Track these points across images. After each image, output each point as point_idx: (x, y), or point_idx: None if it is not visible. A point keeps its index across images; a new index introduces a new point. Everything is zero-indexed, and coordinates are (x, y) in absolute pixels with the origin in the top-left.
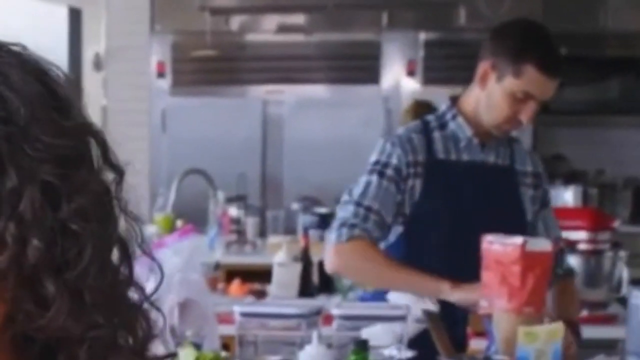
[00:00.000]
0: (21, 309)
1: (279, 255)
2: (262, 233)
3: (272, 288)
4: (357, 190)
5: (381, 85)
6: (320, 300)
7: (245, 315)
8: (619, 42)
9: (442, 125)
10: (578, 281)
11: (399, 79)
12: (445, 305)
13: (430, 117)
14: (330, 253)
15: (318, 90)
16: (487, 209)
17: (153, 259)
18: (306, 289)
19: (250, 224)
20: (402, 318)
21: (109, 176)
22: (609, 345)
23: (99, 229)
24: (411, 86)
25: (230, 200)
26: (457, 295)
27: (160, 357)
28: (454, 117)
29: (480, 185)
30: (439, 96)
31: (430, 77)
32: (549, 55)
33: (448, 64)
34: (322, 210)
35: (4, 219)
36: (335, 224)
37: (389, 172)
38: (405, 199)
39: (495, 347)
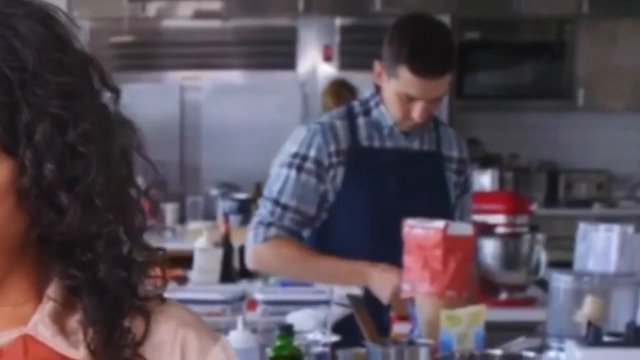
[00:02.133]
0: (43, 218)
1: (200, 241)
2: (182, 219)
3: (193, 274)
4: (276, 186)
5: (298, 70)
6: (242, 285)
7: None
8: (532, 27)
9: (366, 112)
10: (492, 266)
11: (315, 64)
12: (369, 289)
13: (355, 103)
14: (248, 252)
15: (235, 76)
16: (412, 194)
17: (147, 159)
18: (227, 274)
19: (170, 210)
20: (325, 302)
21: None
22: (528, 328)
23: (102, 145)
24: (328, 71)
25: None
26: (372, 288)
27: (153, 248)
28: (377, 105)
29: (405, 170)
30: (356, 81)
31: (347, 62)
32: (422, 56)
33: (364, 49)
34: (242, 195)
35: (23, 148)
36: (253, 221)
37: (308, 165)
38: (329, 188)
39: (418, 330)
